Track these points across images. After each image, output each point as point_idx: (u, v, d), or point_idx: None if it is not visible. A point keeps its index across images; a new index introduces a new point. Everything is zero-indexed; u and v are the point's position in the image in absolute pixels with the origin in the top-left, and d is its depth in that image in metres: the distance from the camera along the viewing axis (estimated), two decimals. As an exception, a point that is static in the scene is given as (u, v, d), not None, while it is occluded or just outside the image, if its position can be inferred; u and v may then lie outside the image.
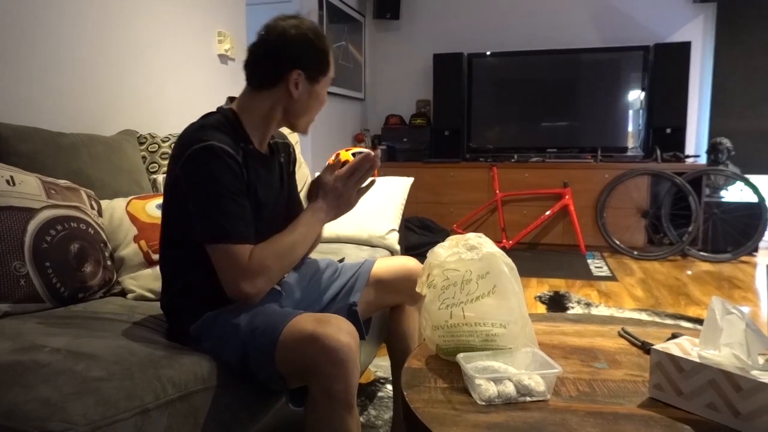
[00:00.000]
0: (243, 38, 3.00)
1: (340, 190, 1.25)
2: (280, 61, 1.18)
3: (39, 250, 1.29)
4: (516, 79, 4.70)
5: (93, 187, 1.64)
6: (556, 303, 2.99)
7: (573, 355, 1.24)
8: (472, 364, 1.06)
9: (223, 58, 2.83)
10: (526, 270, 3.76)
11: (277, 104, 1.22)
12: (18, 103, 1.76)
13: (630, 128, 4.53)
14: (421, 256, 3.63)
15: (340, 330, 0.98)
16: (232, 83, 2.89)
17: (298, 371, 1.01)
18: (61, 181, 1.49)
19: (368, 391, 1.95)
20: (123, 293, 1.52)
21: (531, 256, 4.24)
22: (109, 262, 1.50)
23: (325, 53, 1.22)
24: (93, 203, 1.55)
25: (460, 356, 1.07)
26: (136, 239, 1.61)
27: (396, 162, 4.85)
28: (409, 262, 1.54)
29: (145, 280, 1.54)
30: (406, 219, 4.48)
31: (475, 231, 4.58)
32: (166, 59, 2.44)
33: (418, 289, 1.23)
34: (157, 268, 1.57)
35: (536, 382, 1.01)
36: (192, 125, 1.17)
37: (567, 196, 4.29)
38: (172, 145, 2.13)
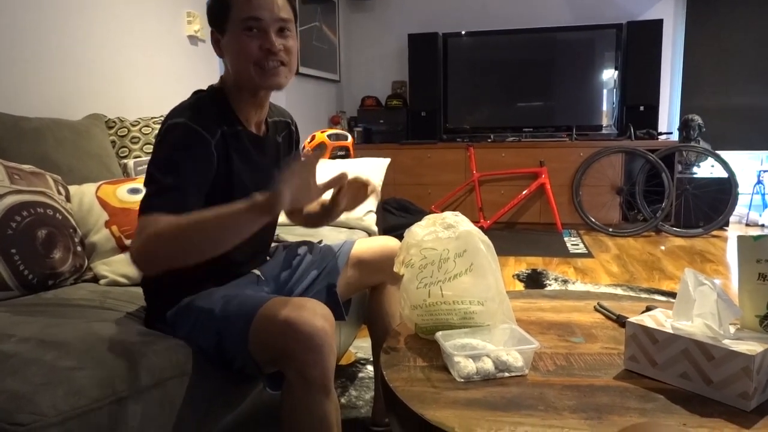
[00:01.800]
0: (213, 18, 2.93)
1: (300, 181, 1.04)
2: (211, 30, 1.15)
3: (4, 237, 1.25)
4: (491, 58, 4.69)
5: (60, 172, 1.59)
6: (534, 280, 3.02)
7: (550, 330, 1.26)
8: (450, 342, 1.06)
9: (193, 39, 2.76)
10: (503, 249, 3.79)
11: (227, 72, 1.17)
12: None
13: (604, 107, 4.56)
14: (400, 237, 3.63)
15: (315, 314, 0.96)
16: (203, 65, 2.82)
17: (273, 357, 1.00)
18: (26, 166, 1.44)
19: (349, 372, 1.95)
20: (95, 279, 1.49)
21: (509, 235, 4.27)
22: (79, 248, 1.46)
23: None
24: (60, 188, 1.51)
25: (439, 334, 1.07)
26: (107, 224, 1.57)
27: (372, 144, 4.82)
28: (390, 242, 1.53)
29: (118, 266, 1.51)
30: (383, 201, 4.48)
31: (453, 211, 4.57)
32: (134, 41, 2.37)
33: (396, 269, 1.22)
34: (130, 253, 1.55)
35: (514, 358, 1.01)
36: (180, 103, 1.12)
37: (543, 175, 4.32)
38: (142, 129, 2.08)
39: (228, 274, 1.22)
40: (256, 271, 1.28)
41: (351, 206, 1.21)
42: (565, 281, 2.98)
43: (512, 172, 4.43)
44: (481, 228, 4.23)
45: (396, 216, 4.28)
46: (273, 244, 1.46)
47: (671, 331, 0.94)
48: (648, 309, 1.28)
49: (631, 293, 2.74)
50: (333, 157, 2.40)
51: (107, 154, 1.87)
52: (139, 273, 0.96)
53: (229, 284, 1.20)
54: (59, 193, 1.48)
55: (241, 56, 1.10)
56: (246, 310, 1.02)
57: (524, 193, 4.35)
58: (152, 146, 1.11)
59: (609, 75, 4.51)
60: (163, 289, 1.18)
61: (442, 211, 4.47)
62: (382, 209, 4.33)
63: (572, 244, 3.90)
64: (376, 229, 2.15)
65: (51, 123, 1.70)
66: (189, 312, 1.10)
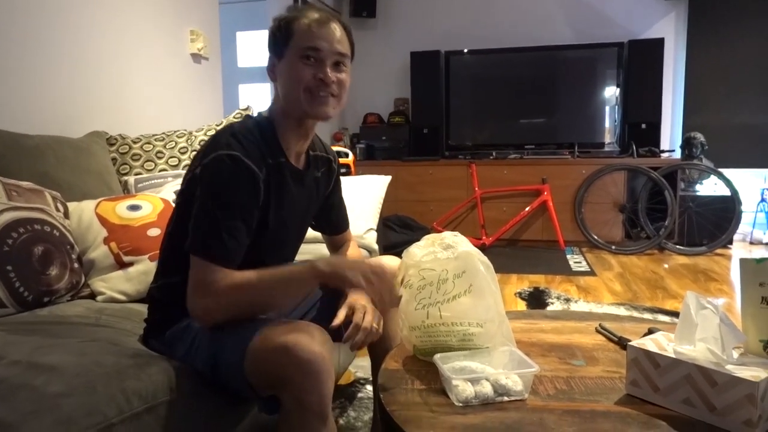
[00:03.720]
0: (216, 37, 2.95)
1: (362, 268, 1.10)
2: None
3: (0, 254, 1.24)
4: (493, 76, 4.71)
5: (60, 189, 1.59)
6: (536, 299, 3.00)
7: (551, 352, 1.24)
8: (449, 364, 1.05)
9: (196, 57, 2.77)
10: (505, 266, 3.77)
11: (277, 99, 1.18)
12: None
13: (606, 124, 4.57)
14: (401, 255, 3.60)
15: (312, 339, 0.94)
16: (206, 82, 2.83)
17: (269, 382, 0.98)
18: (24, 183, 1.44)
19: (348, 392, 1.93)
20: (92, 296, 1.48)
21: (511, 252, 4.25)
22: (76, 265, 1.45)
23: (288, 23, 1.12)
24: (59, 205, 1.50)
25: (437, 357, 1.06)
26: (106, 241, 1.56)
27: (374, 161, 4.83)
28: (391, 262, 1.51)
29: (115, 282, 1.50)
30: (385, 218, 4.47)
31: (455, 228, 4.60)
32: (137, 59, 2.39)
33: (394, 290, 1.21)
34: (130, 269, 1.54)
35: (514, 382, 1.00)
36: (226, 127, 1.12)
37: (545, 192, 4.31)
38: (144, 146, 2.08)
39: None
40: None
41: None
42: (567, 300, 2.96)
43: (514, 189, 4.42)
44: (483, 245, 4.28)
45: (398, 233, 4.27)
46: None
47: (673, 356, 0.92)
48: (650, 332, 1.27)
49: (634, 313, 2.71)
50: (334, 174, 2.40)
51: (107, 171, 1.87)
52: (202, 323, 1.04)
53: None
54: (57, 209, 1.48)
55: (293, 81, 1.10)
56: (242, 334, 1.00)
57: (526, 210, 4.34)
58: (192, 166, 1.11)
59: (611, 93, 4.52)
60: (165, 308, 1.17)
61: (444, 228, 4.47)
62: (384, 226, 4.32)
63: (575, 262, 3.87)
64: (376, 246, 2.14)
65: (52, 141, 1.70)
66: (187, 333, 1.09)
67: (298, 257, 1.41)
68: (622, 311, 2.73)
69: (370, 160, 4.84)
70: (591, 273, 3.56)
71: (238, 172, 1.04)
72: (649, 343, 1.00)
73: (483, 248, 4.33)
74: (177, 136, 2.17)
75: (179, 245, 1.13)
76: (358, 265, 1.09)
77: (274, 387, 0.98)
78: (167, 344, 1.11)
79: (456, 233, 1.24)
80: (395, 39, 5.10)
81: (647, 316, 2.64)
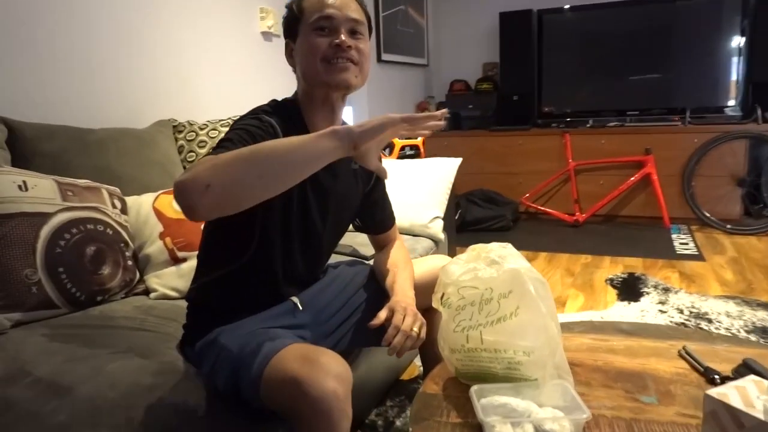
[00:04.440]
0: (289, 11, 2.89)
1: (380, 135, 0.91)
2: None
3: (52, 256, 1.27)
4: (591, 36, 4.27)
5: (120, 182, 1.62)
6: (630, 288, 2.72)
7: (617, 382, 1.07)
8: (487, 399, 0.92)
9: (267, 36, 2.73)
10: (599, 247, 3.47)
11: (300, 83, 1.15)
12: (49, 102, 1.76)
13: (726, 85, 4.00)
14: (485, 231, 3.49)
15: (326, 374, 0.86)
16: (277, 62, 2.79)
17: (284, 411, 0.91)
18: (81, 181, 1.47)
19: (410, 389, 1.85)
20: (147, 292, 1.50)
21: (607, 231, 3.92)
22: (130, 262, 1.47)
23: (299, 3, 1.09)
24: (116, 201, 1.53)
25: (474, 390, 0.94)
26: (161, 236, 1.57)
27: (460, 131, 4.61)
28: (439, 262, 1.39)
29: (168, 278, 1.51)
30: (468, 192, 4.29)
31: (546, 203, 4.31)
32: (204, 40, 2.38)
33: (434, 305, 1.10)
34: (182, 265, 1.55)
35: (561, 426, 0.86)
36: (254, 107, 1.12)
37: (649, 164, 3.89)
38: (210, 133, 2.08)
39: (265, 298, 1.16)
40: (294, 299, 1.21)
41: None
42: (666, 290, 2.66)
43: (613, 161, 4.04)
44: (576, 222, 3.97)
45: (482, 208, 4.09)
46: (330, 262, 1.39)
47: (762, 417, 0.74)
48: (745, 365, 1.05)
49: (746, 309, 2.37)
50: (402, 156, 2.28)
51: (171, 161, 1.88)
52: (183, 208, 0.80)
53: (262, 315, 1.14)
54: (114, 206, 1.50)
55: (310, 54, 1.06)
56: (261, 357, 0.94)
57: (627, 183, 3.95)
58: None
59: (732, 47, 3.93)
60: (198, 313, 1.15)
61: (534, 203, 4.21)
62: (467, 201, 4.15)
63: (680, 243, 3.48)
64: (442, 236, 2.01)
65: (116, 133, 1.73)
66: (213, 347, 1.05)
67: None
68: (731, 306, 2.40)
69: (455, 130, 4.63)
70: (699, 257, 3.18)
71: (258, 124, 1.02)
72: (732, 394, 0.81)
73: (576, 225, 4.03)
74: (242, 121, 2.15)
75: (213, 240, 1.12)
76: (368, 120, 0.90)
77: (289, 417, 0.91)
78: (198, 356, 1.09)
79: (506, 245, 1.09)
80: (484, -1, 4.78)
81: (762, 314, 2.30)
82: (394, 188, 2.01)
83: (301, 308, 1.20)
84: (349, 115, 4.03)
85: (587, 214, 4.07)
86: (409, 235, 1.97)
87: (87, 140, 1.63)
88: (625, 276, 2.89)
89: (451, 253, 2.30)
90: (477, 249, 1.09)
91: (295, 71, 1.16)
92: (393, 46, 4.13)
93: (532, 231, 4.01)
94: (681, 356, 1.16)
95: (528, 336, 0.99)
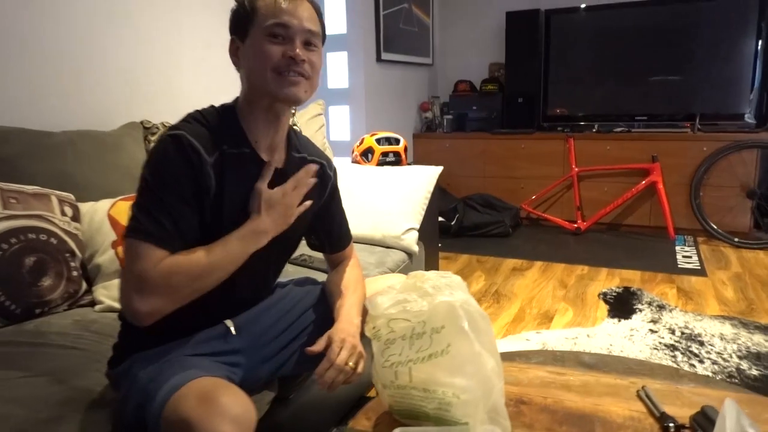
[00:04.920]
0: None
1: (287, 204, 1.06)
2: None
3: (-14, 268, 1.23)
4: (600, 37, 4.13)
5: (77, 188, 1.57)
6: (622, 303, 2.61)
7: (563, 426, 0.99)
8: (409, 444, 0.85)
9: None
10: (597, 257, 3.36)
11: (244, 85, 1.08)
12: (12, 103, 1.71)
13: (739, 91, 3.83)
14: (483, 237, 3.44)
15: (222, 417, 0.78)
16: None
17: None
18: (29, 188, 1.42)
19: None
20: (93, 304, 1.45)
21: (609, 240, 3.79)
22: (75, 273, 1.42)
23: (252, 1, 1.02)
24: (66, 209, 1.48)
25: (396, 433, 0.86)
26: (114, 245, 1.52)
27: (463, 132, 4.51)
28: (398, 281, 1.32)
29: (116, 290, 1.45)
30: (467, 196, 4.20)
31: (548, 209, 4.17)
32: (182, 38, 2.32)
33: (366, 333, 1.02)
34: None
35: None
36: (189, 114, 1.06)
37: (655, 172, 3.76)
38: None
39: (196, 321, 1.10)
40: (228, 322, 1.14)
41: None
42: (660, 307, 2.54)
43: (618, 168, 3.91)
44: (578, 229, 3.86)
45: (480, 213, 3.99)
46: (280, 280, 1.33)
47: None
48: (703, 413, 0.97)
49: (742, 331, 2.25)
50: (381, 163, 2.20)
51: (137, 165, 1.82)
52: (136, 317, 0.93)
53: (193, 339, 1.08)
54: (63, 214, 1.45)
55: (259, 61, 1.00)
56: (163, 392, 0.87)
57: (631, 191, 3.82)
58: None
59: (748, 51, 3.76)
60: (126, 335, 1.09)
61: (534, 208, 4.09)
62: (465, 205, 4.06)
63: (683, 256, 3.35)
64: (416, 248, 1.92)
65: (75, 136, 1.68)
66: (127, 376, 1.00)
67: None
68: (727, 328, 2.28)
69: (458, 131, 4.53)
70: (700, 272, 3.05)
71: (179, 151, 0.95)
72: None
73: (577, 233, 3.92)
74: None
75: None
76: (280, 209, 1.05)
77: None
78: (116, 380, 1.03)
79: (447, 274, 1.01)
80: (492, -2, 4.65)
81: (759, 337, 2.18)
82: (366, 197, 1.94)
83: (234, 332, 1.13)
84: (346, 117, 3.96)
85: (589, 222, 3.95)
86: (381, 246, 1.89)
87: (44, 144, 1.58)
88: (620, 290, 2.78)
89: (430, 267, 2.22)
90: (415, 277, 1.01)
91: (239, 71, 1.09)
92: (394, 45, 4.04)
93: (530, 238, 3.90)
94: (639, 397, 1.07)
95: (459, 375, 0.91)
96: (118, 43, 2.04)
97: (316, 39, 1.05)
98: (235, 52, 1.07)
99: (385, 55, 3.91)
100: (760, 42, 3.71)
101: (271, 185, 1.09)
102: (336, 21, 4.21)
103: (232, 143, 1.04)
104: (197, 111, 1.06)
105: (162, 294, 0.92)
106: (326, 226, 1.28)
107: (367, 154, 2.21)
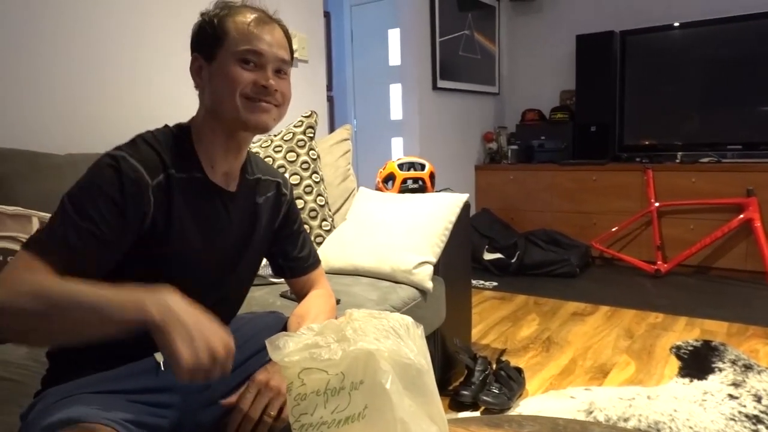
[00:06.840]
0: (320, 37, 2.77)
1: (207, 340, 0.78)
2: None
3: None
4: (682, 58, 3.72)
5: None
6: (699, 360, 2.20)
7: None
8: None
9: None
10: (676, 304, 2.91)
11: (202, 106, 1.00)
12: (7, 124, 1.73)
13: None
14: (546, 276, 3.20)
15: None
16: (302, 86, 2.67)
17: None
18: (10, 209, 1.38)
19: None
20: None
21: (694, 284, 3.31)
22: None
23: (221, 20, 0.96)
24: (48, 230, 1.42)
25: None
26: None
27: (528, 164, 4.22)
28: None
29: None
30: (530, 232, 3.87)
31: (622, 249, 3.78)
32: (185, 65, 2.30)
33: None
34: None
35: None
36: (138, 134, 0.99)
37: (751, 208, 3.26)
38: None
39: (125, 351, 0.97)
40: (158, 356, 1.00)
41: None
42: (747, 367, 2.11)
43: (706, 202, 3.44)
44: (657, 271, 3.40)
45: (543, 250, 3.66)
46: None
47: None
48: None
49: None
50: (403, 190, 2.01)
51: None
52: None
53: (122, 371, 0.95)
54: (42, 235, 1.40)
55: (228, 87, 0.94)
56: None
57: (722, 229, 3.33)
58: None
59: None
60: (51, 364, 0.99)
61: (607, 247, 3.69)
62: (527, 241, 3.73)
63: (786, 306, 2.83)
64: (429, 285, 1.69)
65: (80, 158, 1.66)
66: (29, 414, 0.88)
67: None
68: (832, 398, 1.82)
69: (524, 163, 4.25)
70: (805, 326, 2.54)
71: (116, 171, 0.87)
72: None
73: (657, 276, 3.47)
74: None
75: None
76: (201, 332, 0.76)
77: None
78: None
79: (379, 313, 0.80)
80: (563, 21, 4.38)
81: None
82: (378, 226, 1.74)
83: (163, 368, 0.99)
84: (399, 147, 3.83)
85: (671, 263, 3.48)
86: (390, 281, 1.68)
87: (40, 164, 1.56)
88: (698, 344, 2.36)
89: (455, 308, 1.96)
90: (345, 316, 0.81)
91: (199, 91, 1.01)
92: (452, 73, 3.88)
93: (600, 279, 3.49)
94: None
95: (376, 450, 0.69)
96: (133, 65, 2.04)
97: (286, 67, 1.01)
98: (198, 72, 1.00)
99: (441, 83, 3.75)
100: None
101: (223, 208, 1.01)
102: (393, 54, 4.14)
103: (182, 167, 0.95)
104: (149, 131, 0.98)
105: (13, 306, 0.76)
106: (282, 247, 1.17)
107: (388, 180, 2.04)
